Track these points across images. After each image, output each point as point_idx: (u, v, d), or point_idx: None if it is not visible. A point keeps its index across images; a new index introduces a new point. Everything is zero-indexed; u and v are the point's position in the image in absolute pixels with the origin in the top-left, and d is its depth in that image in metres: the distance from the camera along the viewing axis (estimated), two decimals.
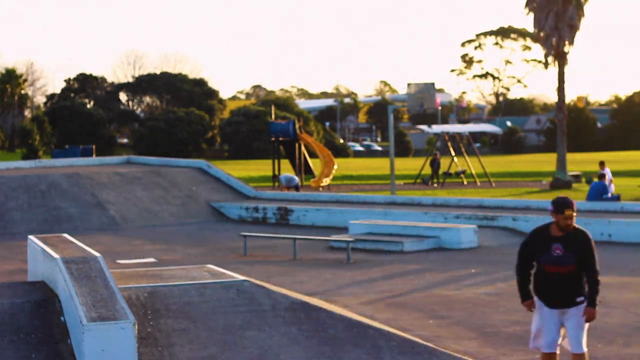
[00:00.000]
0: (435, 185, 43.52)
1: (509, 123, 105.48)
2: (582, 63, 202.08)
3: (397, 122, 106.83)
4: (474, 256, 17.99)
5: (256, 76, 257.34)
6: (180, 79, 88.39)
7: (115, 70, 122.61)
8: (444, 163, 46.95)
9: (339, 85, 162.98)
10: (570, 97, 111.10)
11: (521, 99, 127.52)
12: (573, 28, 40.76)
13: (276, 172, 41.39)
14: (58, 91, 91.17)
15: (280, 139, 43.53)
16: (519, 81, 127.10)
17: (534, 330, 8.14)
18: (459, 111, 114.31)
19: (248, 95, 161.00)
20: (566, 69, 41.57)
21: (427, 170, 46.06)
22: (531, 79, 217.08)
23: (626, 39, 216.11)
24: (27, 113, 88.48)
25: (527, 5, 41.67)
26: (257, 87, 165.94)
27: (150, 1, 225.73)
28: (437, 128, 58.74)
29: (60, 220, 24.62)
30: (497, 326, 11.08)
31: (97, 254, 10.10)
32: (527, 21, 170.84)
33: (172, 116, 78.47)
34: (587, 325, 7.95)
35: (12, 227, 23.98)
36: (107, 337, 8.28)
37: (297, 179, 36.87)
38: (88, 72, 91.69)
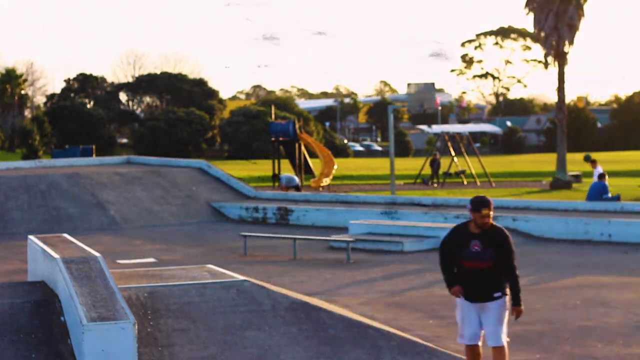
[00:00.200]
0: (435, 185, 43.50)
1: (509, 123, 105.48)
2: (582, 63, 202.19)
3: (397, 122, 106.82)
4: None
5: (256, 76, 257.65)
6: (180, 79, 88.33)
7: (115, 70, 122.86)
8: (444, 163, 46.94)
9: (339, 85, 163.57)
10: (570, 97, 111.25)
11: (521, 99, 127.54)
12: (573, 28, 40.77)
13: (276, 172, 41.40)
14: (58, 91, 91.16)
15: (280, 139, 43.52)
16: (519, 81, 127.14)
17: (459, 324, 8.28)
18: (459, 111, 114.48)
19: (248, 95, 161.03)
20: (566, 69, 41.58)
21: (427, 170, 46.05)
22: (531, 79, 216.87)
23: (626, 39, 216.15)
24: (27, 113, 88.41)
25: (527, 5, 41.68)
26: (257, 87, 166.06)
27: (150, 1, 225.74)
28: (437, 128, 58.76)
29: (60, 220, 24.61)
30: None
31: (97, 254, 10.11)
32: (527, 21, 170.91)
33: (172, 116, 78.45)
34: (506, 319, 8.10)
35: (12, 227, 23.97)
36: (107, 337, 8.29)
37: (297, 179, 36.87)
38: (88, 72, 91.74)
